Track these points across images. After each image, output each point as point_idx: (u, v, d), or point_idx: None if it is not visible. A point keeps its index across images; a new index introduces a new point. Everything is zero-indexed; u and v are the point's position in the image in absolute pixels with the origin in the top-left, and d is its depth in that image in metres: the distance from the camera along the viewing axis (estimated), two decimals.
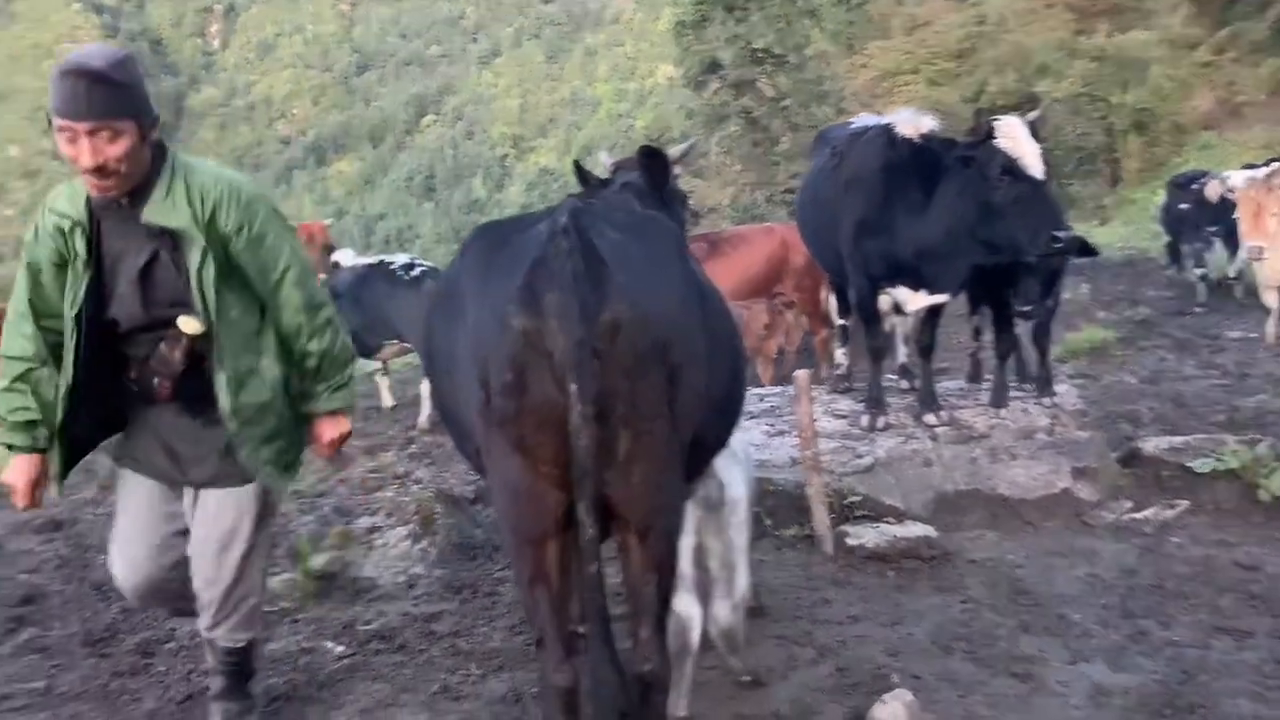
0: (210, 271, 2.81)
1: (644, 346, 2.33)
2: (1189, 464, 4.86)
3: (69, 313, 2.85)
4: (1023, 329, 5.72)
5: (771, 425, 5.47)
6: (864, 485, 4.81)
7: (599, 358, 2.25)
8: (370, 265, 8.44)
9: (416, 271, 8.02)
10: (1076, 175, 22.94)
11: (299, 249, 3.05)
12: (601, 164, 4.18)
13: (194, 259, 2.80)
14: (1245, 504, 4.70)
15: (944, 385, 6.07)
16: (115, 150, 2.64)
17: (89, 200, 2.80)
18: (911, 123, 4.73)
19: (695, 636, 3.10)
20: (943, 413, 5.18)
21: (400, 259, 8.37)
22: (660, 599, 2.54)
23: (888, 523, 4.57)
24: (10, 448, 2.90)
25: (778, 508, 4.81)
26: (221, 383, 2.88)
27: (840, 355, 6.79)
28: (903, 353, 6.26)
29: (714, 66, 27.19)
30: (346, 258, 8.96)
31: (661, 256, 2.62)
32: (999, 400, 5.23)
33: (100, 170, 2.65)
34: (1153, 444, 5.17)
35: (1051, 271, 5.24)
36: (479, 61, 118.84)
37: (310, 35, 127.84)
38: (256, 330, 2.98)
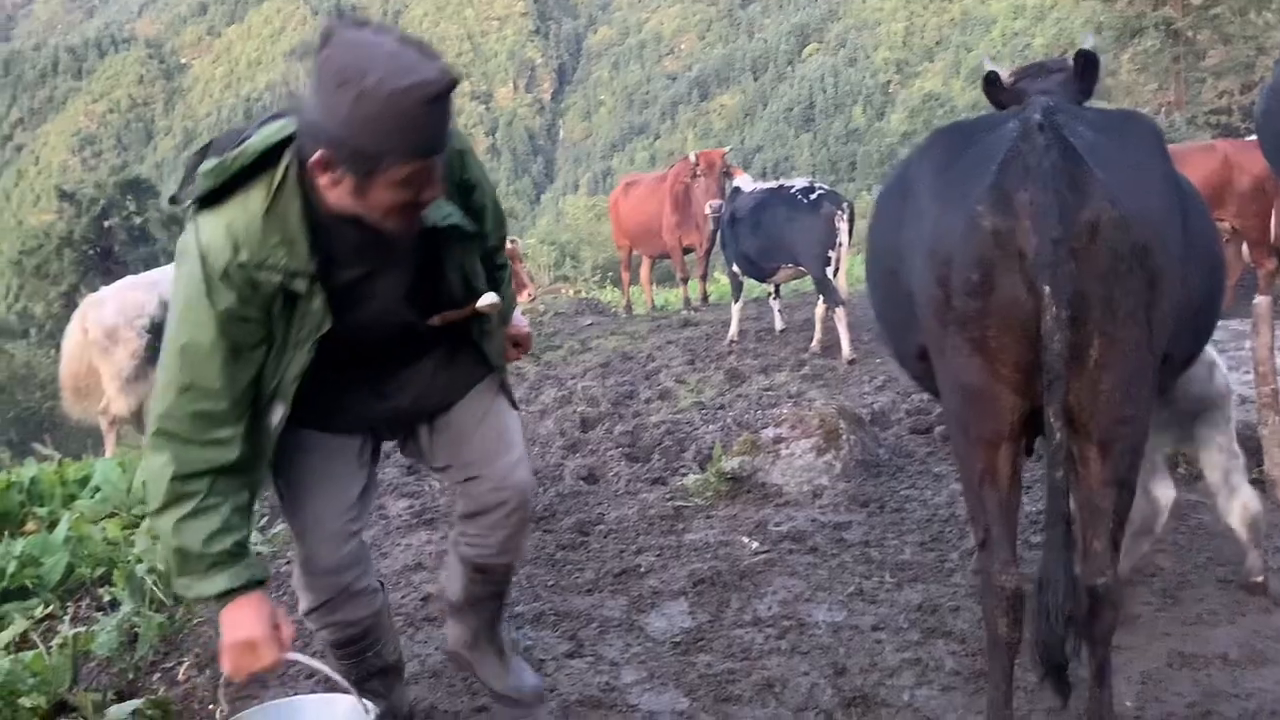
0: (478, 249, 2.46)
1: (1124, 249, 2.23)
2: None
3: (289, 376, 2.21)
4: None
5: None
6: None
7: (1075, 259, 2.18)
8: (769, 189, 8.60)
9: (815, 195, 8.07)
10: None
11: None
12: (989, 71, 3.93)
13: (469, 250, 2.41)
14: None
15: None
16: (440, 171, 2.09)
17: (310, 230, 2.08)
18: None
19: (1161, 522, 3.33)
20: None
21: (800, 183, 8.46)
22: (1117, 515, 2.44)
23: None
24: (226, 594, 2.10)
25: None
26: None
27: None
28: None
29: None
30: (746, 182, 9.20)
31: (1143, 156, 2.48)
32: None
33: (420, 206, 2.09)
34: None
35: None
36: None
37: None
38: None
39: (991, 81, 3.98)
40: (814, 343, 8.49)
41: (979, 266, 2.29)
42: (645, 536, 4.66)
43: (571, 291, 15.35)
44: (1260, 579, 3.34)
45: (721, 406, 7.15)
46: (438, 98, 1.88)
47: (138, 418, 7.21)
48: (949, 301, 2.38)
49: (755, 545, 4.31)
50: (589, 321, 11.82)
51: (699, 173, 10.19)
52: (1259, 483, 4.21)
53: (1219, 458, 3.22)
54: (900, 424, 6.06)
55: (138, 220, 36.16)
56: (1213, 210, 7.76)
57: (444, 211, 2.23)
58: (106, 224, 35.21)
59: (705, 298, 12.18)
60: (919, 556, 4.03)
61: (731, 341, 9.16)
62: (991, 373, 2.36)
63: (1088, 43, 3.94)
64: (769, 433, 5.45)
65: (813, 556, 4.16)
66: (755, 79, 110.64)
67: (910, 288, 2.59)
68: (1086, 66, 3.70)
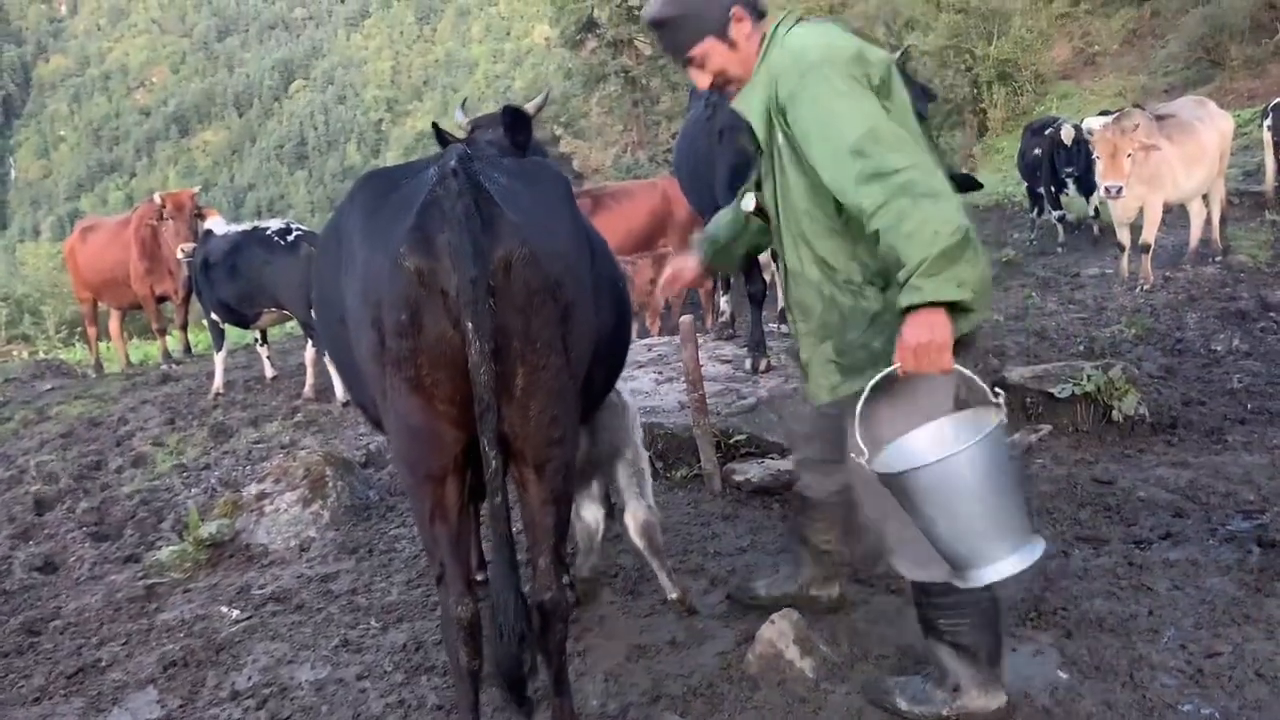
0: (776, 155, 2.62)
1: (537, 283, 2.38)
2: (1050, 390, 5.14)
3: None
4: None
5: (660, 373, 5.57)
6: (748, 424, 4.94)
7: (493, 295, 2.30)
8: (244, 232, 8.18)
9: (293, 236, 7.82)
10: (945, 126, 23.69)
11: (865, 114, 2.40)
12: (457, 121, 4.18)
13: (759, 130, 2.64)
14: (1101, 424, 5.01)
15: None
16: (711, 70, 2.71)
17: None
18: None
19: (599, 538, 3.60)
20: None
21: (275, 224, 8.14)
22: (558, 531, 2.61)
23: (771, 458, 4.72)
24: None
25: (668, 450, 4.93)
26: (781, 273, 2.85)
27: (723, 303, 6.93)
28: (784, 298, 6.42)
29: (591, 25, 27.01)
30: (218, 225, 8.67)
31: (550, 199, 2.68)
32: None
33: (713, 88, 2.77)
34: (1017, 373, 5.44)
35: None
36: (347, 23, 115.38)
37: None
38: (810, 223, 2.62)
39: (438, 131, 4.18)
40: (306, 388, 8.21)
41: (406, 307, 2.33)
42: (110, 625, 4.19)
43: (28, 353, 13.44)
44: (676, 595, 3.56)
45: (206, 467, 6.65)
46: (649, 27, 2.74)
47: None
48: (383, 343, 2.40)
49: (236, 614, 4.05)
50: (49, 386, 10.43)
51: (167, 215, 9.41)
52: (698, 478, 4.80)
53: (624, 470, 3.51)
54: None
55: None
56: (657, 238, 8.75)
57: (744, 104, 2.64)
58: None
59: (188, 349, 11.30)
60: (406, 596, 4.03)
61: (217, 394, 8.57)
62: (430, 409, 2.41)
63: (534, 101, 4.28)
64: (252, 489, 5.17)
65: (298, 615, 3.99)
66: (240, 115, 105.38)
67: (353, 334, 2.58)
68: (514, 120, 4.02)
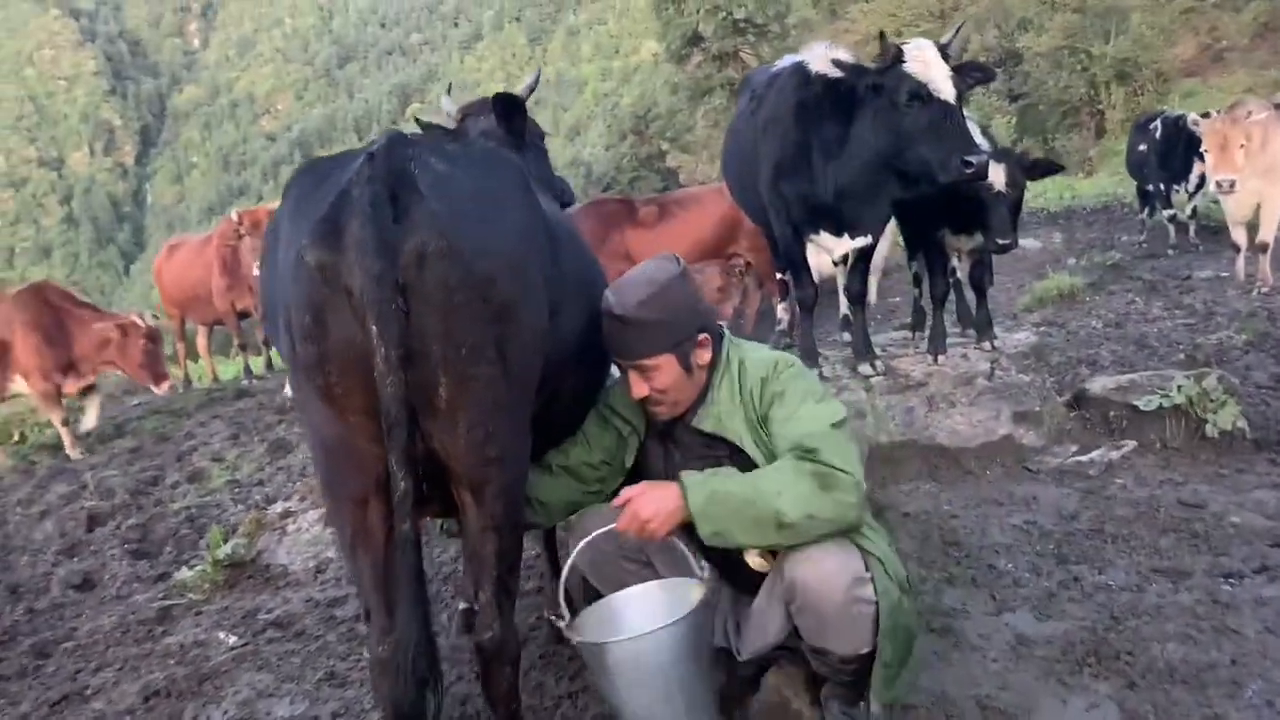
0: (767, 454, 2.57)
1: (458, 281, 2.07)
2: (1135, 402, 4.59)
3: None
4: (961, 274, 5.47)
5: None
6: None
7: (405, 294, 2.01)
8: None
9: None
10: (1060, 129, 22.60)
11: (822, 408, 2.54)
12: (445, 111, 3.91)
13: (753, 454, 2.57)
14: (1193, 440, 4.44)
15: (886, 336, 5.83)
16: (656, 383, 2.57)
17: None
18: (824, 56, 4.42)
19: None
20: (878, 362, 4.91)
21: None
22: (501, 562, 2.30)
23: None
24: None
25: None
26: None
27: (780, 310, 6.51)
28: (843, 304, 5.98)
29: (696, 39, 26.83)
30: None
31: (495, 190, 2.36)
32: (936, 347, 4.95)
33: (645, 400, 2.62)
34: (1099, 384, 4.89)
35: (1014, 204, 4.81)
36: (461, 47, 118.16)
37: (289, 29, 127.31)
38: None
39: (419, 124, 3.93)
40: None
41: (309, 307, 2.06)
42: (116, 649, 4.06)
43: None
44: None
45: (259, 483, 6.56)
46: (605, 313, 2.54)
47: None
48: (295, 348, 2.13)
49: (232, 640, 3.86)
50: (136, 402, 10.63)
51: (244, 232, 9.49)
52: None
53: None
54: None
55: None
56: (726, 246, 8.33)
57: (720, 425, 2.60)
58: None
59: (270, 365, 11.40)
60: None
61: (288, 405, 8.55)
62: (344, 423, 2.13)
63: (523, 83, 4.00)
64: (277, 508, 5.01)
65: (294, 643, 3.77)
66: (360, 139, 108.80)
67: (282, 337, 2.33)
68: (506, 108, 3.73)
